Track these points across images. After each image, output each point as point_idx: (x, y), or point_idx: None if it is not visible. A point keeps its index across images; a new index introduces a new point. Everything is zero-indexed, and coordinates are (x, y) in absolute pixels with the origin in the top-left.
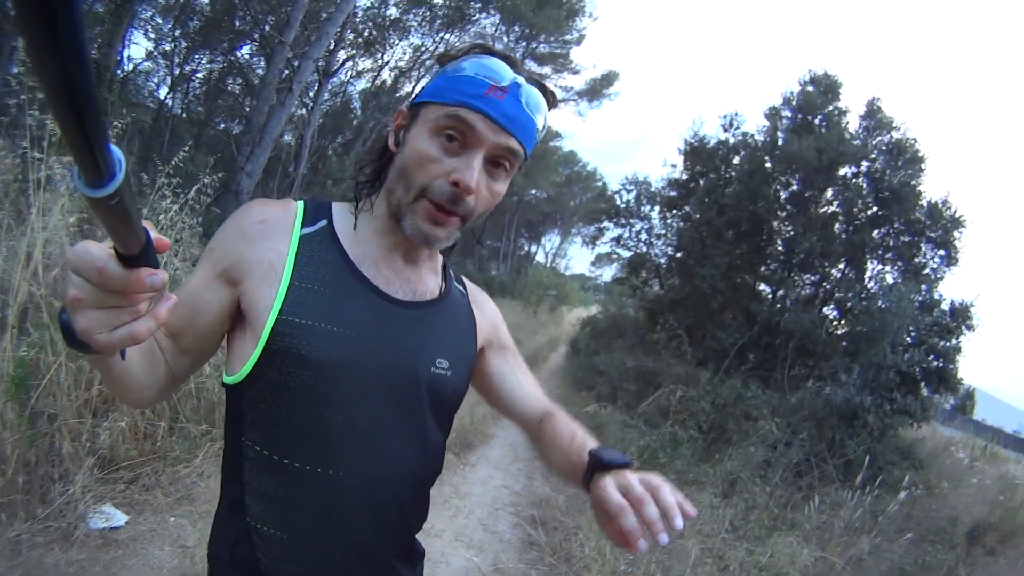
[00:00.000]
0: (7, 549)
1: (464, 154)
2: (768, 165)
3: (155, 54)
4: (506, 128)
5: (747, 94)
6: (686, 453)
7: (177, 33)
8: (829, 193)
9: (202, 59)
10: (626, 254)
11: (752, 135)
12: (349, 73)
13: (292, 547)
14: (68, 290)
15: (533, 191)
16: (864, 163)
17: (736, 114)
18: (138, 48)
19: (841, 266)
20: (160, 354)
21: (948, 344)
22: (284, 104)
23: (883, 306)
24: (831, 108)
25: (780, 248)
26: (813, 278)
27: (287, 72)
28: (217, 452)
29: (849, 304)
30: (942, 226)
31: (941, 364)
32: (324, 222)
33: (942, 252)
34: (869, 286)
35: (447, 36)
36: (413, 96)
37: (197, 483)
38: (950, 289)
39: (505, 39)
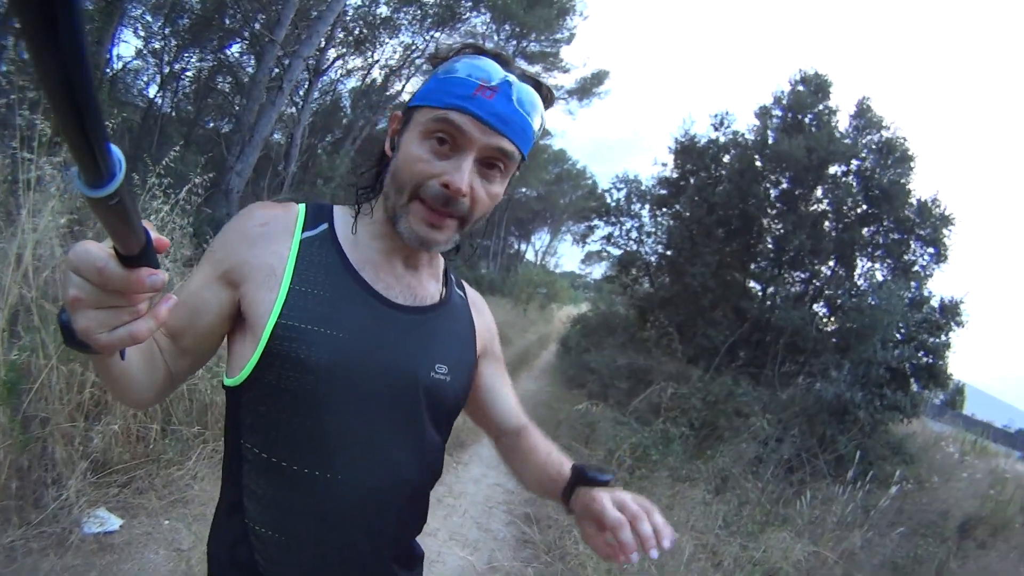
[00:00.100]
0: (1, 556)
1: (455, 156)
2: (758, 164)
3: (145, 52)
4: (496, 128)
5: (737, 93)
6: (678, 450)
7: (167, 31)
8: (819, 191)
9: (192, 57)
10: (616, 252)
11: (742, 134)
12: (339, 72)
13: (290, 550)
14: (68, 290)
15: (523, 189)
16: (854, 162)
17: (726, 113)
18: (127, 46)
19: (831, 264)
20: (159, 355)
21: (937, 340)
22: (274, 103)
23: (873, 303)
24: (821, 107)
25: (770, 246)
26: (803, 276)
27: (277, 71)
28: (210, 454)
29: (839, 301)
30: (931, 224)
31: (931, 360)
32: (325, 226)
33: (931, 250)
34: (859, 283)
35: (437, 35)
36: (408, 100)
37: (191, 485)
38: (939, 286)
39: (496, 38)
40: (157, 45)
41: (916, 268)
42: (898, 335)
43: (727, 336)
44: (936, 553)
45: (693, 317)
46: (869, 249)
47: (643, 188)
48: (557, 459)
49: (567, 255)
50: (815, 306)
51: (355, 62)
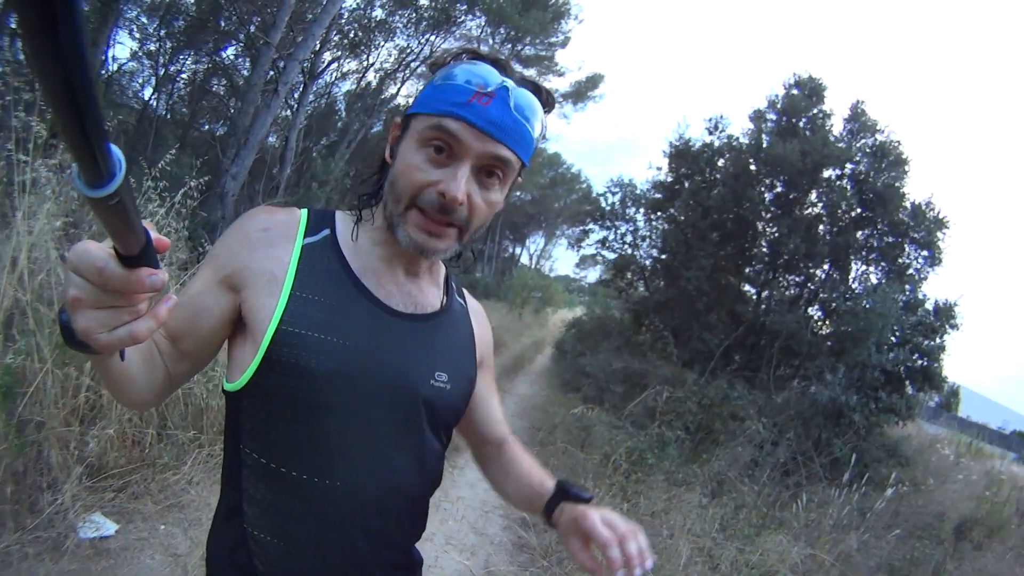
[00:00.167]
0: None
1: (452, 165)
2: (753, 167)
3: (140, 54)
4: (492, 135)
5: (732, 97)
6: (674, 454)
7: (162, 33)
8: (813, 195)
9: (187, 60)
10: (611, 256)
11: (737, 138)
12: (334, 75)
13: (289, 555)
14: (68, 290)
15: (518, 193)
16: (848, 165)
17: (721, 117)
18: (123, 48)
19: (825, 267)
20: (159, 357)
21: (932, 343)
22: (269, 106)
23: (867, 306)
24: (815, 111)
25: (765, 250)
26: (798, 279)
27: (272, 73)
28: (205, 459)
29: (834, 304)
30: (926, 227)
31: (925, 363)
32: (327, 232)
33: (926, 252)
34: (853, 287)
35: (433, 38)
36: (406, 107)
37: (187, 490)
38: (934, 289)
39: (491, 41)
40: (152, 47)
41: (910, 271)
42: (893, 338)
43: (722, 340)
44: (932, 555)
45: (688, 321)
46: (863, 252)
47: (638, 192)
48: (539, 473)
49: (562, 259)
50: (810, 309)
51: (350, 65)
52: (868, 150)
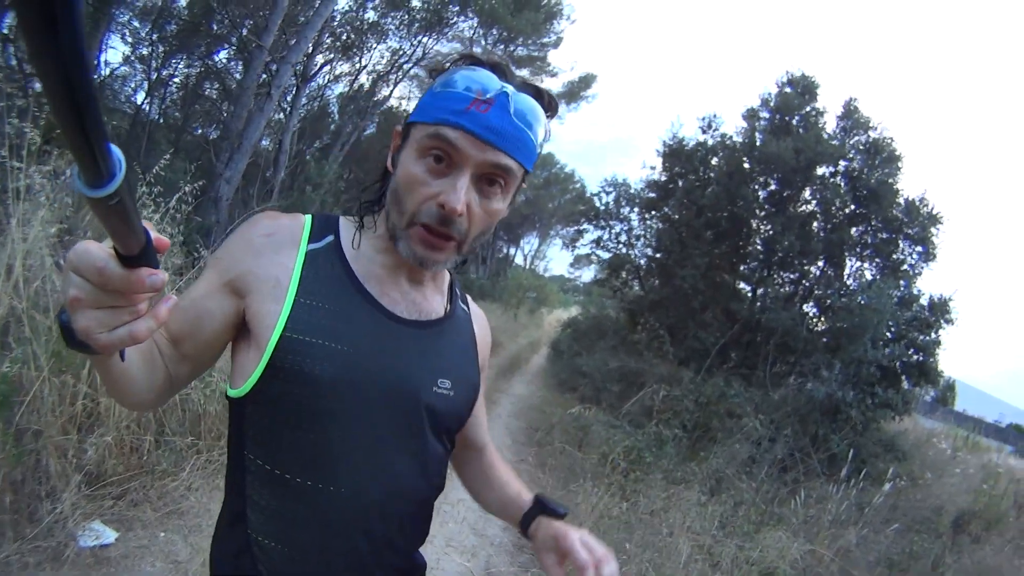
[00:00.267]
0: None
1: (451, 175)
2: (746, 166)
3: (132, 59)
4: (492, 143)
5: (725, 96)
6: (671, 452)
7: (155, 37)
8: (807, 192)
9: (179, 64)
10: (606, 256)
11: (730, 136)
12: (327, 77)
13: (294, 560)
14: (68, 290)
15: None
16: (842, 162)
17: (714, 116)
18: (115, 52)
19: (820, 264)
20: (160, 358)
21: (927, 338)
22: (263, 109)
23: (862, 302)
24: (808, 109)
25: (759, 247)
26: (792, 276)
27: (265, 76)
28: (203, 465)
29: (829, 301)
30: (919, 223)
31: (921, 358)
32: (331, 238)
33: (920, 248)
34: (848, 283)
35: (425, 40)
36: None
37: (186, 496)
38: (928, 284)
39: (483, 42)
40: (145, 51)
41: (905, 267)
42: (888, 334)
43: (718, 338)
44: (931, 548)
45: (684, 319)
46: (858, 249)
47: (632, 191)
48: (516, 484)
49: (556, 259)
50: (805, 306)
51: (343, 67)
52: (861, 147)
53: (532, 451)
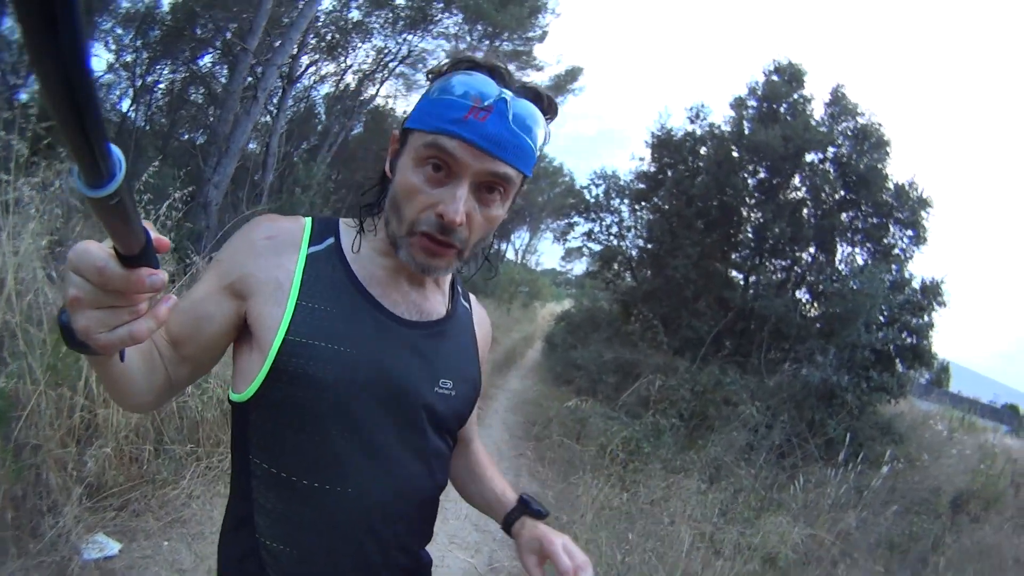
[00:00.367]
0: None
1: (450, 184)
2: (735, 154)
3: (116, 66)
4: (490, 152)
5: (712, 86)
6: (669, 441)
7: (138, 43)
8: (797, 180)
9: (164, 69)
10: (597, 248)
11: (719, 126)
12: (312, 78)
13: (301, 563)
14: (68, 290)
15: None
16: (830, 149)
17: (702, 106)
18: (99, 60)
19: (811, 250)
20: (159, 360)
21: (920, 321)
22: (249, 112)
23: (855, 287)
24: (796, 96)
25: (750, 235)
26: (784, 263)
27: (251, 80)
28: (203, 472)
29: (821, 287)
30: (909, 207)
31: (915, 340)
32: (331, 240)
33: (910, 232)
34: (840, 268)
35: (410, 37)
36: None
37: (187, 504)
38: (920, 268)
39: (468, 38)
40: (129, 58)
41: (896, 251)
42: (881, 317)
43: (712, 326)
44: (931, 529)
45: (677, 309)
46: (849, 234)
47: (621, 183)
48: (501, 482)
49: (547, 253)
50: (798, 293)
51: (328, 68)
52: (849, 133)
53: (530, 445)
